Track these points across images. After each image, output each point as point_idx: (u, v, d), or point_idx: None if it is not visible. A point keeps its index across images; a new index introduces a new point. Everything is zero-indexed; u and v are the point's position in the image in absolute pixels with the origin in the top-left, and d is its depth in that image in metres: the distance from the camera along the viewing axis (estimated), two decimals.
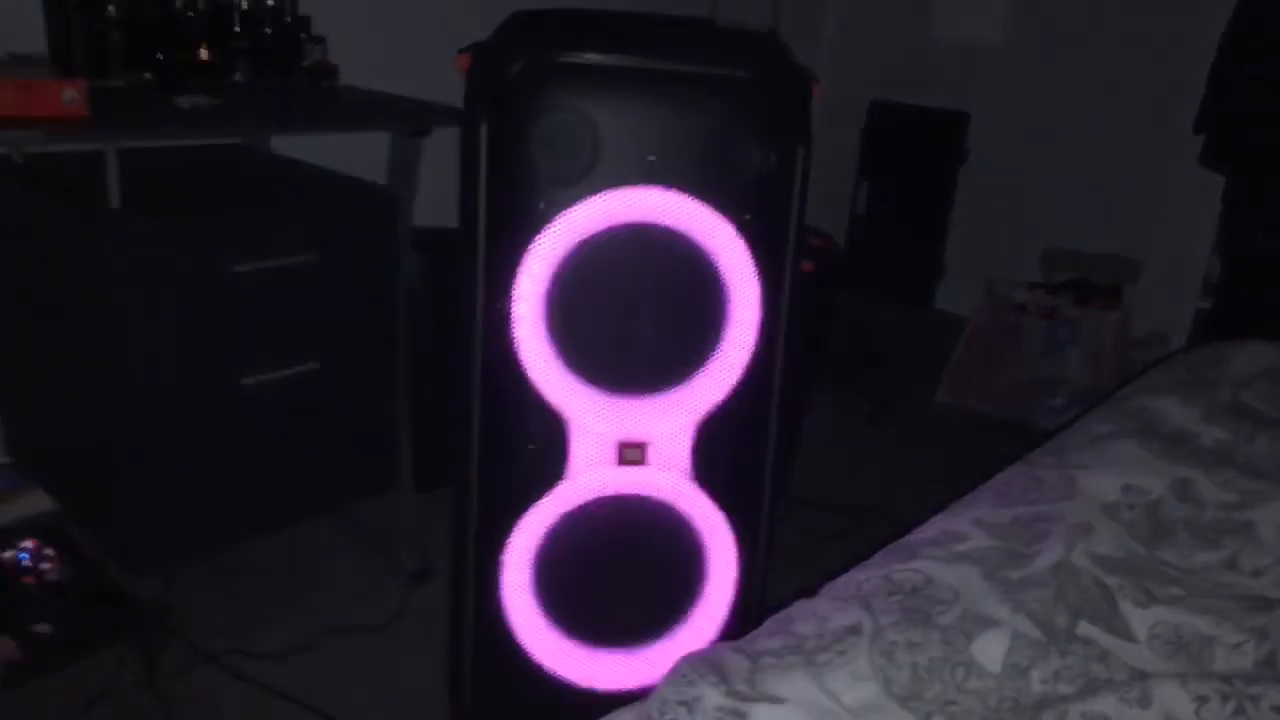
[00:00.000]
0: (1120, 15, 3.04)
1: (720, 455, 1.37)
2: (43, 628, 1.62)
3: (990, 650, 0.74)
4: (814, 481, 2.32)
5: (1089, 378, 2.76)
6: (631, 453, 1.33)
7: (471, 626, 1.41)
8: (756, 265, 1.31)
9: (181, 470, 1.54)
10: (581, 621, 1.41)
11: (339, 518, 2.01)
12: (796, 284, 1.47)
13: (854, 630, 0.75)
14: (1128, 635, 0.79)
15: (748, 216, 1.29)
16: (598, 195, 1.24)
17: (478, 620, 1.41)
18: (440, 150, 1.71)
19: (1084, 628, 0.79)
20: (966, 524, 0.92)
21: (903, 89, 3.61)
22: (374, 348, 1.74)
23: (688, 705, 0.66)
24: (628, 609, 1.43)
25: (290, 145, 1.98)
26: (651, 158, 1.25)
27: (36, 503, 1.88)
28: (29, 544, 1.76)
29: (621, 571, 1.40)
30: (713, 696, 0.67)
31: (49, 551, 1.76)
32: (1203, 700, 0.69)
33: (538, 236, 1.25)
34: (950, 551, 0.87)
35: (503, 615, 1.38)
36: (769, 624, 0.77)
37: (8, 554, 1.74)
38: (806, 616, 0.78)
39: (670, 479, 1.35)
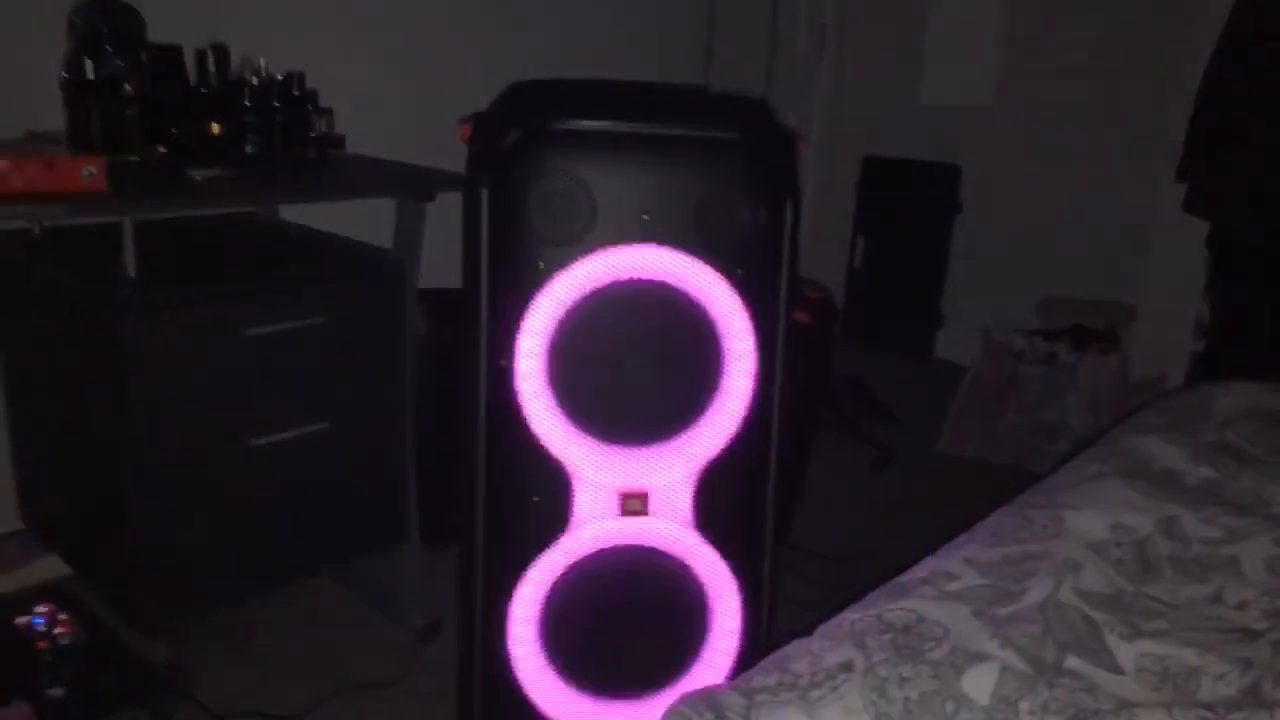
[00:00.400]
0: (1104, 68, 3.13)
1: (721, 504, 1.40)
2: (56, 691, 1.63)
3: (979, 683, 0.76)
4: (816, 530, 2.33)
5: (1088, 422, 2.78)
6: (633, 503, 1.36)
7: (480, 679, 1.43)
8: (750, 317, 1.36)
9: (193, 531, 1.56)
10: (588, 672, 1.42)
11: (348, 575, 2.02)
12: (790, 334, 1.52)
13: (847, 667, 0.77)
14: (1114, 668, 0.81)
15: (740, 271, 1.34)
16: (595, 254, 1.29)
17: (486, 673, 1.43)
18: (444, 214, 1.77)
19: (1071, 661, 0.81)
20: (957, 563, 0.95)
21: (895, 144, 3.71)
22: (382, 407, 1.78)
23: None
24: (633, 658, 1.44)
25: (300, 213, 2.05)
26: (646, 217, 1.30)
27: (50, 568, 1.91)
28: (44, 609, 1.78)
29: (626, 621, 1.42)
30: None
31: (63, 616, 1.78)
32: None
33: (538, 295, 1.30)
34: (941, 590, 0.90)
35: (510, 667, 1.39)
36: (765, 662, 0.79)
37: (22, 619, 1.76)
38: (801, 655, 0.80)
39: (672, 528, 1.37)
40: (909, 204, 3.74)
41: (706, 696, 0.73)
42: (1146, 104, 3.01)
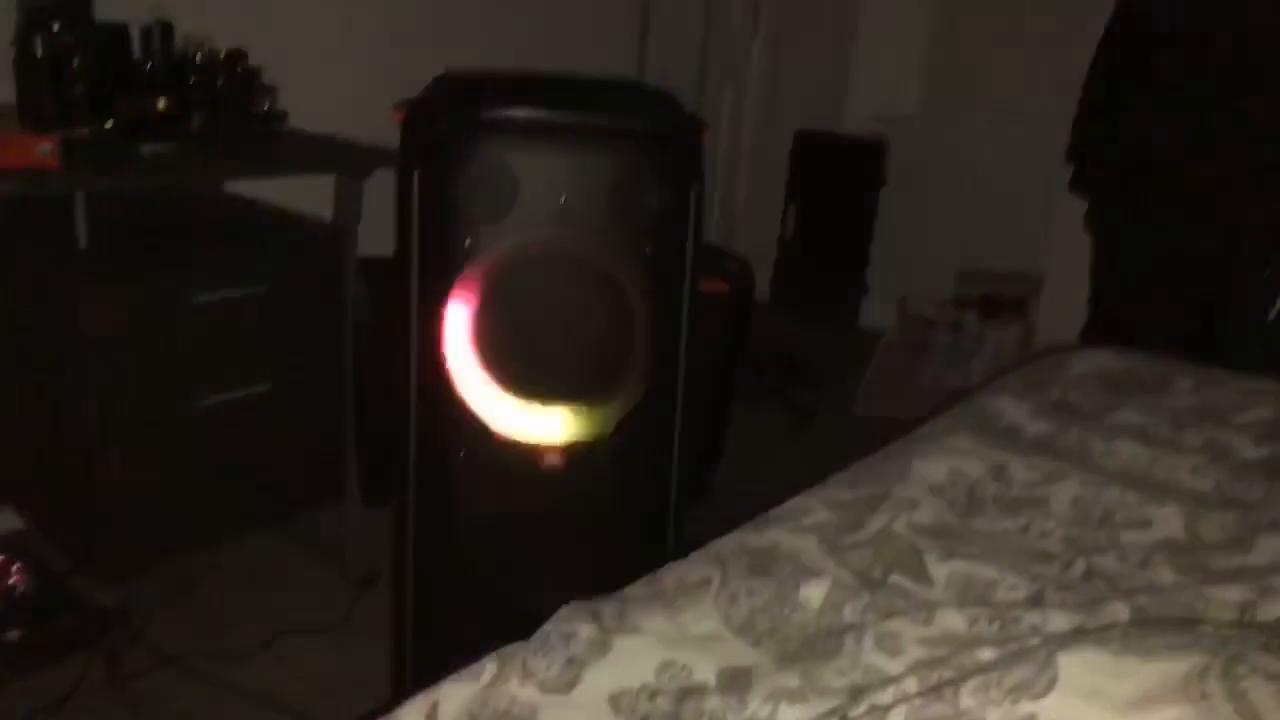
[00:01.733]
0: (1024, 59, 3.33)
1: (634, 456, 1.56)
2: (12, 635, 1.74)
3: (813, 593, 0.93)
4: (736, 488, 2.51)
5: None
6: (551, 457, 1.51)
7: (413, 616, 1.58)
8: (657, 290, 1.51)
9: (144, 485, 1.68)
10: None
11: (290, 529, 2.15)
12: (708, 303, 1.68)
13: (706, 581, 0.93)
14: (928, 581, 0.98)
15: (648, 248, 1.49)
16: (517, 232, 1.43)
17: (419, 612, 1.58)
18: (382, 185, 1.88)
19: (894, 578, 0.98)
20: (815, 503, 1.12)
21: (825, 119, 3.87)
22: (323, 370, 1.90)
23: (566, 637, 0.84)
24: None
25: (243, 185, 2.14)
26: (564, 198, 1.44)
27: (2, 521, 2.01)
28: None
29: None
30: (586, 630, 0.85)
31: (15, 566, 1.88)
32: (973, 620, 0.88)
33: (465, 268, 1.43)
34: (798, 524, 1.06)
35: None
36: (642, 580, 0.95)
37: None
38: (671, 572, 0.96)
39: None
40: (837, 178, 3.90)
41: (587, 605, 0.89)
42: (1059, 89, 3.20)
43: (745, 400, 2.90)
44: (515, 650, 0.83)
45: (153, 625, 1.83)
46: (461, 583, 1.57)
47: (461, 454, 1.49)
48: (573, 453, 1.51)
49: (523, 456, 1.50)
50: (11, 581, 1.85)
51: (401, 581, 1.60)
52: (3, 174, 1.41)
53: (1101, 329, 2.42)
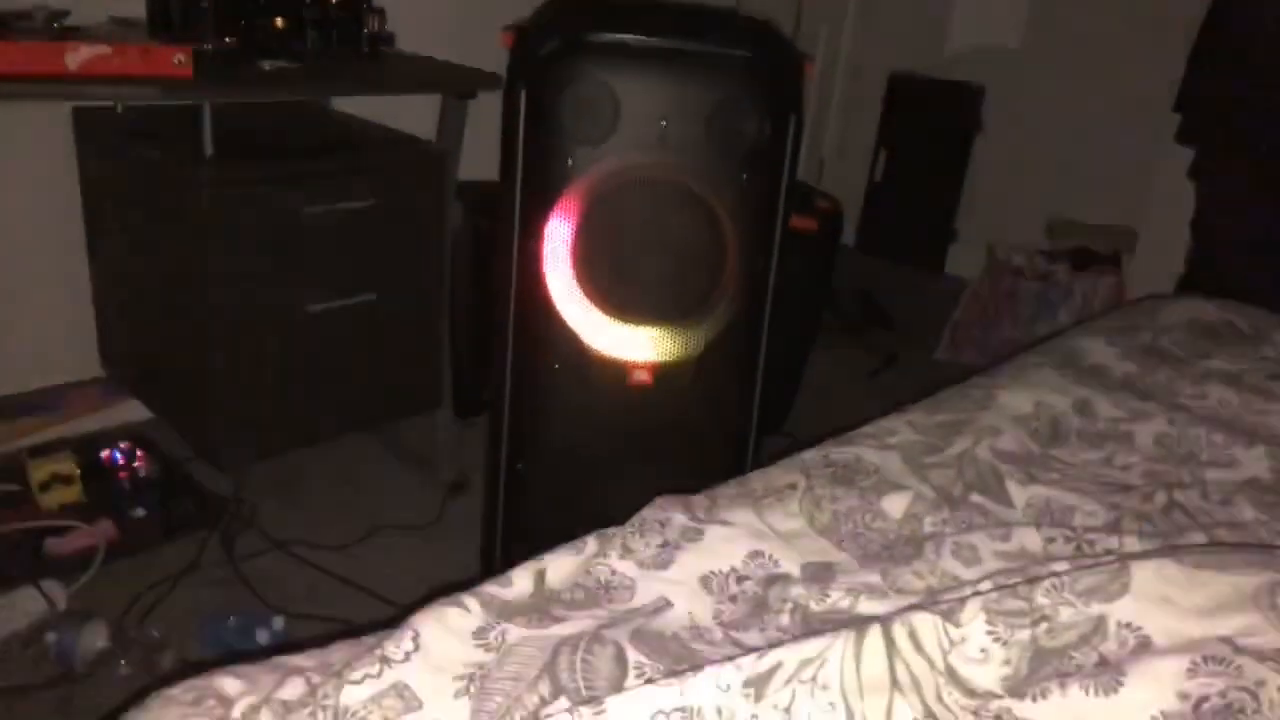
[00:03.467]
0: (1130, 11, 3.20)
1: (718, 380, 1.61)
2: (138, 512, 1.90)
3: (895, 504, 0.97)
4: (809, 424, 2.55)
5: None
6: (640, 373, 1.57)
7: (503, 519, 1.67)
8: (752, 218, 1.54)
9: (261, 382, 1.80)
10: None
11: (387, 436, 2.27)
12: (796, 240, 1.70)
13: (792, 486, 0.98)
14: (1008, 503, 1.01)
15: (745, 176, 1.52)
16: (617, 154, 1.47)
17: (508, 515, 1.67)
18: (482, 113, 1.94)
19: (974, 497, 1.01)
20: (899, 424, 1.15)
21: (922, 61, 3.78)
22: (423, 283, 1.99)
23: (661, 523, 0.90)
24: None
25: (350, 103, 2.22)
26: (664, 123, 1.47)
27: (127, 411, 2.16)
28: (123, 445, 2.04)
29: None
30: (680, 519, 0.91)
31: (139, 453, 2.04)
32: (1050, 540, 0.92)
33: (566, 188, 1.49)
34: (882, 442, 1.10)
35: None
36: (732, 481, 1.01)
37: (104, 453, 2.02)
38: (759, 477, 1.02)
39: None
40: (932, 122, 3.83)
41: (680, 498, 0.95)
42: (1164, 44, 3.09)
43: (827, 339, 2.93)
44: (614, 532, 0.90)
45: (262, 513, 1.97)
46: (550, 490, 1.66)
47: (556, 366, 1.56)
48: (661, 371, 1.57)
49: (613, 372, 1.56)
50: (136, 465, 2.01)
51: (494, 485, 1.69)
52: (144, 80, 1.50)
53: (1199, 285, 2.37)
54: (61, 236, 2.02)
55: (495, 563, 1.72)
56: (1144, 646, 0.71)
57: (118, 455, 2.03)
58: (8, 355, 2.02)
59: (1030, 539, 0.91)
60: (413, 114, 2.08)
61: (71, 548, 1.76)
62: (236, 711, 0.66)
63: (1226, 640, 0.69)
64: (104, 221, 1.99)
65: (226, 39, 1.91)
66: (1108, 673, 0.68)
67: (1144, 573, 0.74)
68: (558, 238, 1.51)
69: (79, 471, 1.89)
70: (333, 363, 1.89)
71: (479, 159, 2.08)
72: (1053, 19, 3.47)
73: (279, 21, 1.97)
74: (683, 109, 1.47)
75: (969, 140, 3.77)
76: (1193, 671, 0.67)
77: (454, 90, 1.95)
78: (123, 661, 1.54)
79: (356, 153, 1.96)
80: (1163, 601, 0.72)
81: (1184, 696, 0.66)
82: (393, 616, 0.81)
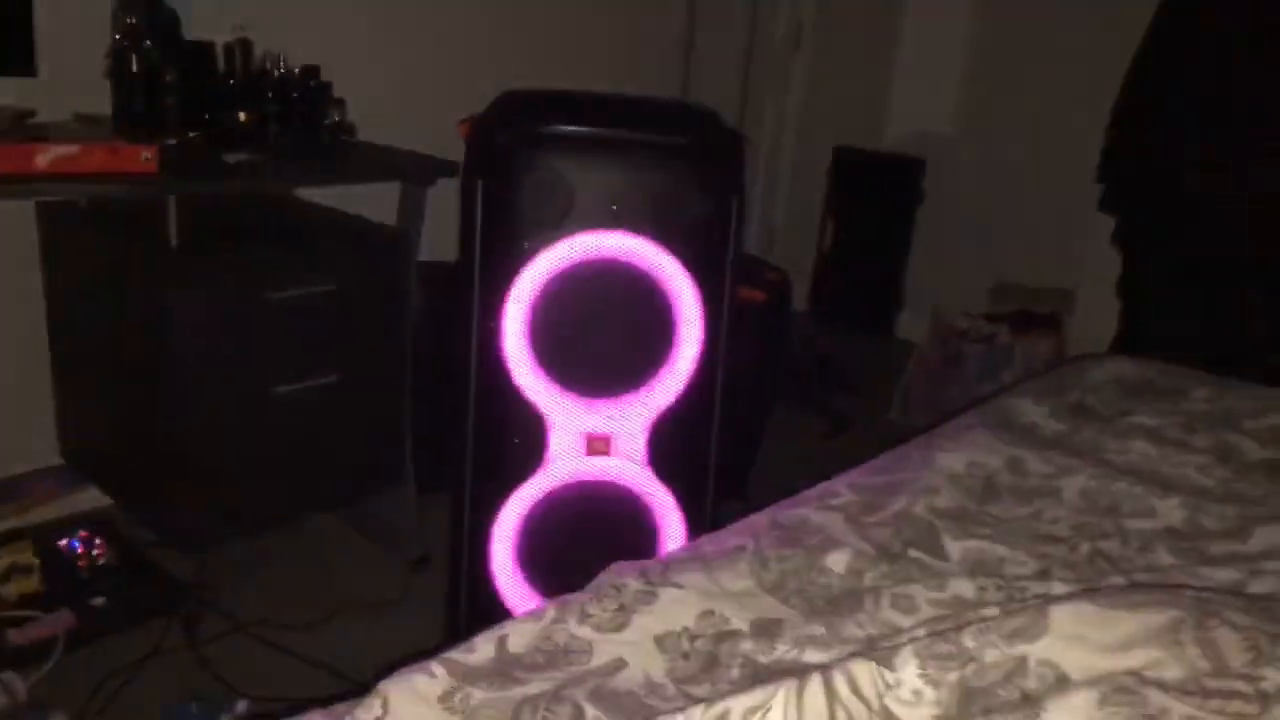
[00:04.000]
0: (1059, 84, 3.41)
1: (671, 449, 1.67)
2: (98, 600, 1.89)
3: (837, 560, 1.03)
4: (769, 487, 2.61)
5: None
6: (598, 445, 1.63)
7: (466, 591, 1.70)
8: (700, 292, 1.62)
9: (226, 465, 1.82)
10: (557, 586, 1.69)
11: (350, 512, 2.29)
12: (746, 311, 1.79)
13: (741, 548, 1.04)
14: (944, 556, 1.08)
15: (691, 253, 1.60)
16: (571, 236, 1.56)
17: (471, 586, 1.70)
18: (441, 197, 2.02)
19: (912, 552, 1.08)
20: (843, 486, 1.22)
21: (864, 136, 3.97)
22: (385, 363, 2.04)
23: (616, 588, 0.95)
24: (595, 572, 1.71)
25: (313, 192, 2.29)
26: (614, 206, 1.56)
27: (85, 500, 2.17)
28: (82, 533, 2.04)
29: (589, 544, 1.69)
30: (634, 584, 0.96)
31: (98, 540, 2.04)
32: (982, 589, 0.98)
33: (523, 269, 1.56)
34: (825, 504, 1.17)
35: (491, 581, 1.67)
36: (682, 547, 1.06)
37: (63, 541, 2.02)
38: (710, 541, 1.07)
39: (629, 467, 1.64)
40: (876, 193, 4.00)
41: (633, 564, 1.00)
42: (1094, 114, 3.29)
43: (782, 406, 3.01)
44: (572, 598, 0.94)
45: (224, 596, 1.97)
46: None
47: (516, 440, 1.61)
48: (617, 441, 1.63)
49: (571, 444, 1.62)
50: (95, 553, 2.01)
51: (456, 559, 1.72)
52: (112, 178, 1.56)
53: (1129, 343, 2.50)
54: (22, 326, 2.05)
55: (460, 635, 1.74)
56: (1061, 681, 0.77)
57: (76, 544, 2.02)
58: None
59: (964, 587, 0.98)
60: (375, 201, 2.16)
61: (31, 638, 1.75)
62: None
63: (1134, 673, 0.76)
64: (66, 311, 2.02)
65: (190, 133, 1.98)
66: (1028, 706, 0.74)
67: (1061, 614, 0.81)
68: (515, 316, 1.58)
69: (38, 561, 1.88)
70: (298, 443, 1.92)
71: (438, 240, 2.16)
72: (986, 98, 3.67)
73: (241, 115, 2.05)
74: (632, 193, 1.56)
75: (912, 210, 3.94)
76: (1103, 702, 0.73)
77: (413, 178, 2.03)
78: None
79: (319, 238, 2.02)
80: (1077, 640, 0.78)
81: None
82: (361, 687, 0.84)
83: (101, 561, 1.99)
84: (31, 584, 1.86)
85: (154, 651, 1.80)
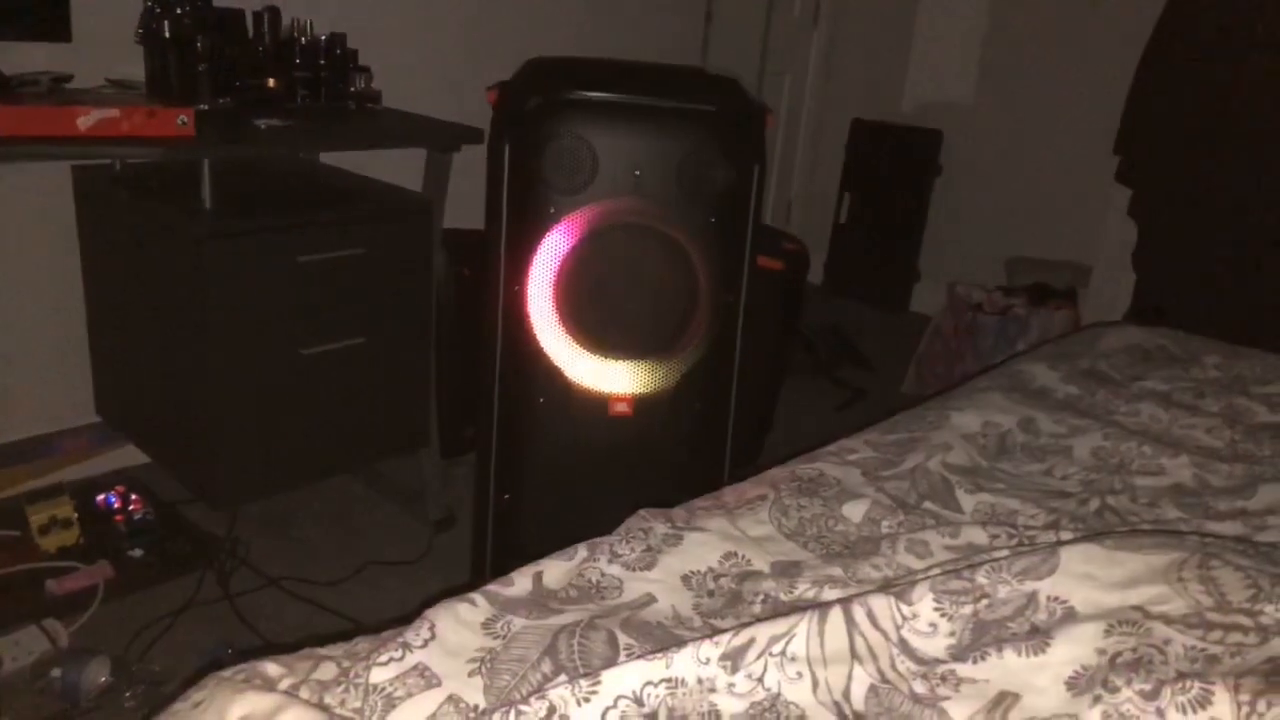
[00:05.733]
0: (1076, 54, 3.41)
1: (692, 409, 1.71)
2: (134, 553, 1.96)
3: (854, 509, 1.07)
4: (782, 456, 2.65)
5: None
6: (619, 405, 1.67)
7: (491, 551, 1.75)
8: (720, 258, 1.66)
9: (257, 424, 1.88)
10: None
11: (372, 475, 2.35)
12: (763, 279, 1.82)
13: (762, 497, 1.08)
14: (957, 509, 1.12)
15: (713, 219, 1.64)
16: (595, 201, 1.59)
17: (496, 549, 1.75)
18: (463, 164, 2.06)
19: (927, 504, 1.12)
20: (859, 442, 1.26)
21: (882, 108, 3.98)
22: (409, 327, 2.08)
23: (644, 531, 1.00)
24: None
25: (337, 158, 2.33)
26: (637, 173, 1.60)
27: (121, 457, 2.23)
28: (118, 489, 2.11)
29: None
30: (661, 527, 1.00)
31: (134, 496, 2.11)
32: (994, 536, 1.02)
33: (548, 233, 1.60)
34: (842, 459, 1.21)
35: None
36: (706, 496, 1.11)
37: (100, 496, 2.09)
38: (731, 491, 1.12)
39: None
40: (893, 165, 4.01)
41: (659, 510, 1.05)
42: (1110, 88, 3.29)
43: (797, 376, 3.04)
44: (602, 540, 0.99)
45: (254, 553, 2.04)
46: (535, 519, 1.74)
47: (540, 400, 1.66)
48: (639, 403, 1.68)
49: (594, 404, 1.66)
50: (131, 508, 2.08)
51: (482, 516, 1.77)
52: (150, 141, 1.60)
53: (1144, 314, 2.52)
54: (59, 287, 2.10)
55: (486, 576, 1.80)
56: (1069, 615, 0.81)
57: (113, 499, 2.09)
58: (6, 404, 2.09)
59: (977, 535, 1.02)
60: (398, 167, 2.20)
61: (71, 588, 1.82)
62: (279, 689, 0.74)
63: (1139, 608, 0.80)
64: (101, 272, 2.07)
65: (221, 100, 2.02)
66: (1038, 637, 0.78)
67: (1070, 554, 0.85)
68: (541, 280, 1.62)
69: (77, 515, 1.95)
70: (325, 404, 1.97)
71: (462, 208, 2.20)
72: (1004, 71, 3.67)
73: (271, 82, 2.09)
74: (655, 159, 1.60)
75: (929, 183, 3.95)
76: (1109, 633, 0.77)
77: (438, 144, 2.07)
78: (127, 694, 1.60)
79: (347, 204, 2.06)
80: (1085, 578, 0.83)
81: (1101, 652, 0.76)
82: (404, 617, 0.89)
83: (138, 516, 2.06)
84: (71, 537, 1.93)
85: (190, 602, 1.87)
